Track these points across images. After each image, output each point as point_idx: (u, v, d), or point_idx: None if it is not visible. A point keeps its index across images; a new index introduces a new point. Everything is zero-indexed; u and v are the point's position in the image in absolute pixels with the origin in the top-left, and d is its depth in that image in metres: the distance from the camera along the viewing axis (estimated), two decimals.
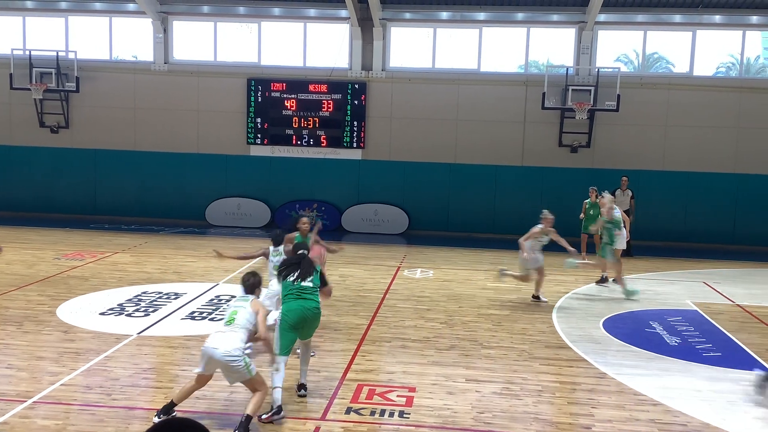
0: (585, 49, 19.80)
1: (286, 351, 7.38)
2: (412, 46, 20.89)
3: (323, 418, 7.11)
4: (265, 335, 7.08)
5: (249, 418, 6.63)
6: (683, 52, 20.21)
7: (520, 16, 20.03)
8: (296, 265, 7.68)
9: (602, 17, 19.57)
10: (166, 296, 11.92)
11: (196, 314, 10.88)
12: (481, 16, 20.13)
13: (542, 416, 7.38)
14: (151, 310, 11.00)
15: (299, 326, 7.41)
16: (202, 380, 6.99)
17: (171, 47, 21.16)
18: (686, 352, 9.77)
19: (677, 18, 19.73)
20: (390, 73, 20.45)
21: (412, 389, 7.96)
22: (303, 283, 7.56)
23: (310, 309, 7.47)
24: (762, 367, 8.79)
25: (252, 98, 20.65)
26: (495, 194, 20.38)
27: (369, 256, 16.53)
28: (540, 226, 12.35)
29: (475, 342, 9.90)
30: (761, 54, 22.66)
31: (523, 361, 9.16)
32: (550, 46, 20.74)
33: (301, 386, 7.66)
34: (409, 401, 7.61)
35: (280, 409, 7.12)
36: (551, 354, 9.48)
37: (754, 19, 19.61)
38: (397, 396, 7.75)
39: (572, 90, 19.12)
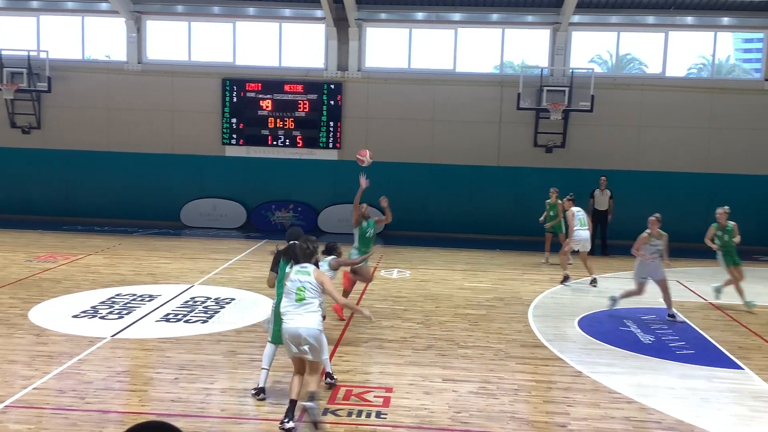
0: (559, 49, 19.94)
1: (278, 338, 7.36)
2: (388, 47, 20.90)
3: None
4: (344, 302, 7.73)
5: (314, 393, 6.80)
6: (656, 53, 20.42)
7: (495, 16, 20.12)
8: (291, 252, 7.69)
9: (576, 18, 19.72)
10: (140, 298, 11.80)
11: (170, 316, 10.78)
12: (457, 16, 20.19)
13: (519, 415, 7.41)
14: (125, 312, 10.88)
15: None
16: (297, 364, 6.99)
17: (144, 47, 20.97)
18: (660, 350, 9.86)
19: (650, 19, 19.94)
20: (366, 74, 20.44)
21: (389, 389, 7.96)
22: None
23: None
24: None
25: (227, 98, 20.52)
26: (471, 194, 20.46)
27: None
28: (647, 231, 11.89)
29: (451, 342, 9.92)
30: (732, 55, 22.99)
31: (500, 360, 9.19)
32: (525, 46, 20.85)
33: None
34: (386, 401, 7.60)
35: (263, 389, 7.46)
36: (527, 353, 9.53)
37: (725, 20, 19.88)
38: (374, 396, 7.74)
39: (547, 90, 19.24)
